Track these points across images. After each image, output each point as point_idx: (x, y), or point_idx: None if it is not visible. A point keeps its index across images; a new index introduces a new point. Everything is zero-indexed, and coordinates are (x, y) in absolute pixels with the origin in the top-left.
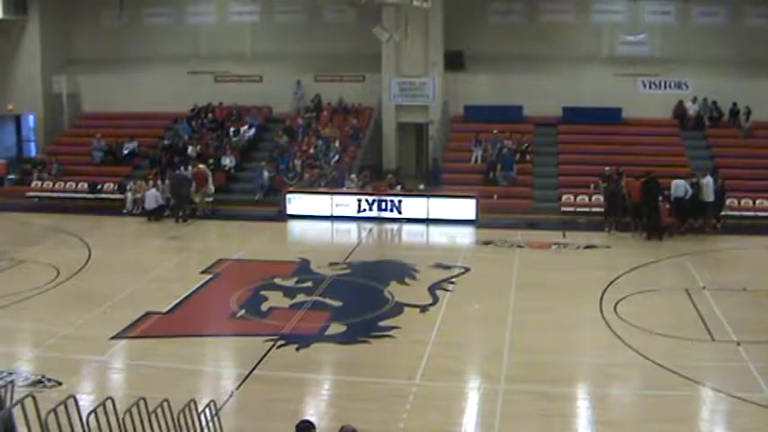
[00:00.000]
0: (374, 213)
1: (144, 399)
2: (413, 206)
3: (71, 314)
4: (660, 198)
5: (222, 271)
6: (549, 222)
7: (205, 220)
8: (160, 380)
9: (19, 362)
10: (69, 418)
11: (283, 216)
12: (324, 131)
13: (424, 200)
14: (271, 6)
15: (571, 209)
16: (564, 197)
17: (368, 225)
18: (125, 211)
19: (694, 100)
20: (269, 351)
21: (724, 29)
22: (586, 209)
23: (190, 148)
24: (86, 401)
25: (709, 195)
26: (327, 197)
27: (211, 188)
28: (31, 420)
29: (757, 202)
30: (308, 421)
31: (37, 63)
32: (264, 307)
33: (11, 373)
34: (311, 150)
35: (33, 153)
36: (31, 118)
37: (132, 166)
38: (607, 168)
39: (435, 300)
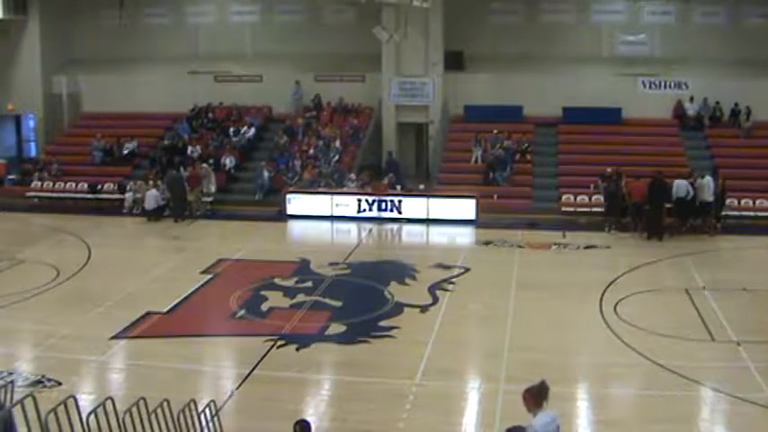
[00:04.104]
0: (374, 213)
1: (144, 399)
2: (413, 206)
3: (71, 314)
4: (665, 198)
5: (222, 271)
6: (549, 222)
7: (205, 220)
8: (160, 380)
9: (19, 362)
10: (69, 418)
11: (283, 216)
12: (324, 131)
13: (424, 200)
14: (271, 6)
15: (571, 209)
16: (564, 197)
17: (368, 225)
18: (125, 211)
19: (691, 100)
20: (269, 351)
21: (724, 29)
22: (586, 209)
23: (190, 148)
24: (86, 401)
25: (708, 195)
26: (327, 197)
27: (212, 188)
28: (31, 420)
29: (757, 202)
30: (305, 421)
31: (37, 63)
32: (264, 307)
33: (11, 373)
34: (311, 150)
35: (33, 153)
36: (31, 118)
37: (132, 166)
38: (609, 169)
39: (435, 300)
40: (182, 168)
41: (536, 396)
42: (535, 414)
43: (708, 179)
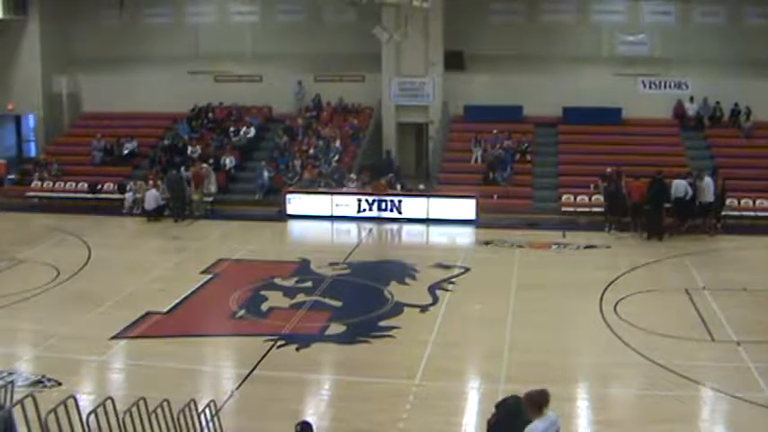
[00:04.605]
0: (374, 213)
1: (144, 399)
2: (413, 206)
3: (71, 314)
4: (664, 198)
5: (222, 271)
6: (549, 222)
7: (205, 220)
8: (160, 380)
9: (19, 362)
10: (69, 418)
11: (283, 216)
12: (324, 131)
13: (424, 200)
14: (271, 6)
15: (571, 209)
16: (564, 197)
17: (368, 225)
18: (125, 211)
19: (691, 100)
20: (269, 351)
21: (724, 29)
22: (586, 209)
23: (190, 148)
24: (86, 401)
25: (709, 196)
26: (327, 197)
27: (212, 188)
28: (31, 420)
29: (757, 202)
30: (306, 423)
31: (37, 63)
32: (264, 307)
33: (11, 373)
34: (311, 150)
35: (33, 153)
36: (31, 118)
37: (132, 166)
38: (609, 169)
39: (435, 300)
40: (182, 168)
41: (535, 403)
42: (534, 418)
43: (708, 180)
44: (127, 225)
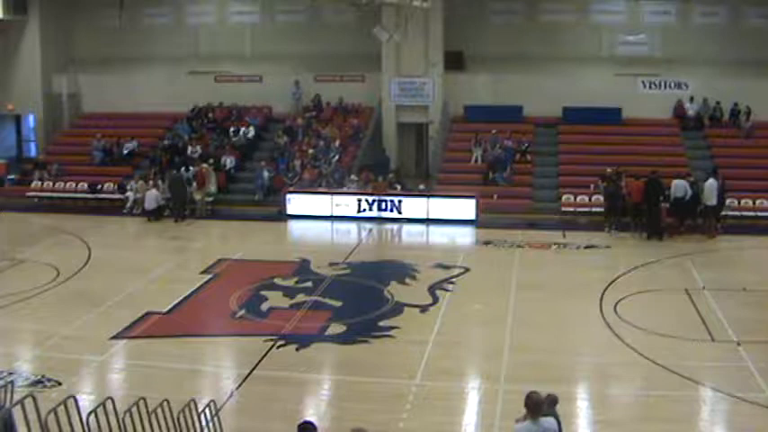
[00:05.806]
0: (374, 213)
1: (144, 399)
2: (413, 206)
3: (71, 314)
4: (661, 198)
5: (222, 271)
6: (549, 222)
7: (205, 220)
8: (160, 380)
9: (19, 362)
10: (69, 418)
11: (283, 216)
12: (324, 131)
13: (424, 200)
14: (271, 6)
15: (571, 209)
16: (564, 197)
17: (368, 225)
18: (125, 212)
19: (691, 100)
20: (269, 351)
21: (724, 29)
22: (586, 209)
23: (190, 148)
24: (86, 401)
25: (711, 198)
26: (327, 197)
27: (212, 188)
28: (31, 420)
29: (757, 202)
30: (309, 422)
31: (37, 63)
32: (264, 307)
33: (11, 373)
34: (311, 150)
35: (33, 153)
36: (31, 118)
37: (132, 166)
38: (609, 169)
39: (435, 300)
40: (183, 168)
41: (530, 407)
42: (526, 419)
43: (711, 182)
44: (127, 225)
